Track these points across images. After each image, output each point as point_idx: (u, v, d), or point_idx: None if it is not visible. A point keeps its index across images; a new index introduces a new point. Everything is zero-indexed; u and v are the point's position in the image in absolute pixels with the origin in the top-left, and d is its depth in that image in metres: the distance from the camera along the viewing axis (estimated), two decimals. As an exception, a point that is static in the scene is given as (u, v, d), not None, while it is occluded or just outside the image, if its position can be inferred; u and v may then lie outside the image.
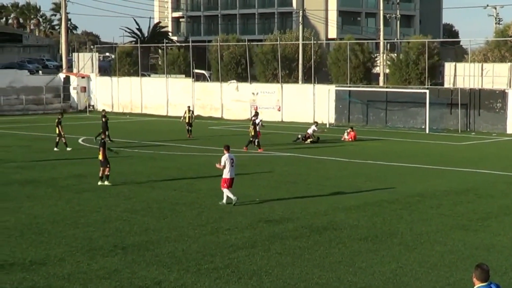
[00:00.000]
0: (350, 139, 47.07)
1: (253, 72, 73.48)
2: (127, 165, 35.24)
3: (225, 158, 25.11)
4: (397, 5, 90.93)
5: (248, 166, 34.75)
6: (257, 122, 42.59)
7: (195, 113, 66.62)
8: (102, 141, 30.07)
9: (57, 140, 41.19)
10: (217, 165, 25.49)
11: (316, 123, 49.59)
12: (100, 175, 29.13)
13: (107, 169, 29.02)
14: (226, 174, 25.03)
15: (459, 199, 26.37)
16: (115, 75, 77.17)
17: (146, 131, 52.19)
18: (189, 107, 50.83)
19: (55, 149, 40.68)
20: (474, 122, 54.79)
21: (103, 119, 45.62)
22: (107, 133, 42.69)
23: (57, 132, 41.06)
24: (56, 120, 41.38)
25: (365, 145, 44.63)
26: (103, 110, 49.96)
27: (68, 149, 40.57)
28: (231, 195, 24.92)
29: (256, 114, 44.62)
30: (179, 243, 19.44)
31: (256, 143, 41.29)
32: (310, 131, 46.36)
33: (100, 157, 29.22)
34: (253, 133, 41.62)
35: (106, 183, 28.94)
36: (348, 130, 48.44)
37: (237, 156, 27.15)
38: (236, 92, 66.68)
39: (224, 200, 25.10)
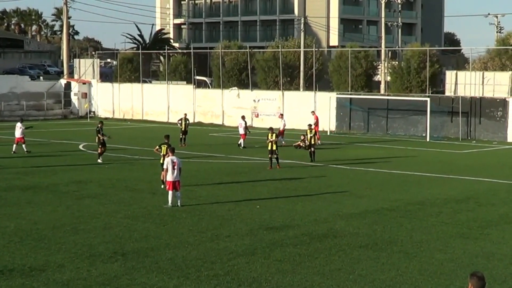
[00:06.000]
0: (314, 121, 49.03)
1: (255, 79, 73.43)
2: (128, 171, 35.27)
3: (166, 161, 25.78)
4: (398, 13, 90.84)
5: (248, 173, 34.80)
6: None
7: (196, 120, 67.00)
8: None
9: (99, 151, 38.18)
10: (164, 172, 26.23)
11: (281, 115, 50.70)
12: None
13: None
14: (167, 177, 25.56)
15: (460, 207, 26.35)
16: (116, 81, 77.24)
17: (147, 137, 52.10)
18: (186, 114, 49.99)
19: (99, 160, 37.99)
20: (474, 130, 54.78)
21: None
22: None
23: (97, 140, 38.20)
24: (96, 129, 38.53)
25: (366, 153, 44.62)
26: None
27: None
28: (169, 199, 25.59)
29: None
30: (179, 250, 19.43)
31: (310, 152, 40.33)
32: (282, 127, 48.00)
33: None
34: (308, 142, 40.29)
35: None
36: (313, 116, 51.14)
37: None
38: (237, 99, 66.73)
39: (170, 203, 25.56)
